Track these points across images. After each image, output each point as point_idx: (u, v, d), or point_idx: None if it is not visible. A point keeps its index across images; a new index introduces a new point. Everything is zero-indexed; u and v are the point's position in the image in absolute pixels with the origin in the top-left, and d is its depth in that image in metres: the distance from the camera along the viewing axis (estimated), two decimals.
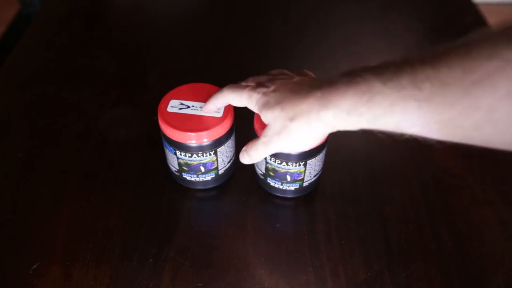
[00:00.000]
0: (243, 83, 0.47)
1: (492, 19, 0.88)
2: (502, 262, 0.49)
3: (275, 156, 0.49)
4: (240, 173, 0.57)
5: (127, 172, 0.58)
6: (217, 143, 0.50)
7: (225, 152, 0.52)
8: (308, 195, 0.55)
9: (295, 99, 0.41)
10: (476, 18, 0.82)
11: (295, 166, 0.50)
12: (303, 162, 0.49)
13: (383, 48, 0.77)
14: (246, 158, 0.48)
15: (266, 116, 0.44)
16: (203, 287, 0.47)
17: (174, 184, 0.56)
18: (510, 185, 0.56)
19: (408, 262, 0.49)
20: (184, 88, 0.53)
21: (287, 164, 0.49)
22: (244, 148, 0.48)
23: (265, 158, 0.50)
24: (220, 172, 0.53)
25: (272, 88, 0.44)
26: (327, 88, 0.39)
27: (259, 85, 0.45)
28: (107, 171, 0.58)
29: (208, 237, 0.52)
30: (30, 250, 0.50)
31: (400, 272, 0.48)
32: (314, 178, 0.53)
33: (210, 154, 0.50)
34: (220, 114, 0.49)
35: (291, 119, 0.41)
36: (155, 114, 0.51)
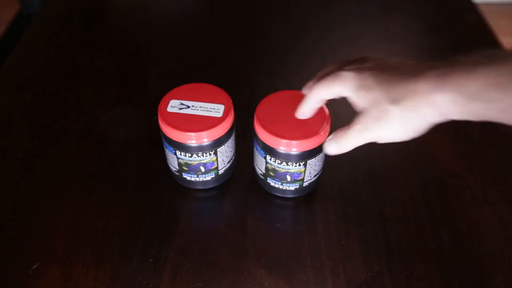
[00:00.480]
0: (323, 72, 0.42)
1: (492, 19, 0.88)
2: (502, 262, 0.49)
3: (275, 156, 0.49)
4: (240, 173, 0.57)
5: (127, 172, 0.58)
6: (217, 143, 0.50)
7: (225, 152, 0.52)
8: (308, 195, 0.55)
9: (402, 79, 0.35)
10: (476, 18, 0.82)
11: (295, 166, 0.50)
12: (303, 162, 0.49)
13: (383, 48, 0.77)
14: (334, 147, 0.42)
15: (363, 99, 0.38)
16: (203, 287, 0.47)
17: (174, 184, 0.56)
18: (510, 185, 0.56)
19: (408, 262, 0.49)
20: (184, 88, 0.53)
21: (287, 164, 0.49)
22: (330, 136, 0.43)
23: (265, 158, 0.50)
24: (220, 172, 0.53)
25: (368, 65, 0.38)
26: (446, 68, 0.33)
27: (348, 63, 0.40)
28: (107, 171, 0.58)
29: (208, 237, 0.52)
30: (30, 250, 0.50)
31: (400, 272, 0.48)
32: (314, 178, 0.53)
33: (210, 154, 0.50)
34: (220, 114, 0.49)
35: (395, 101, 0.35)
36: (155, 114, 0.51)
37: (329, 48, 0.77)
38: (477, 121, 0.34)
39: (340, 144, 0.42)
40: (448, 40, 0.78)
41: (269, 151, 0.49)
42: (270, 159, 0.50)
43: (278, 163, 0.50)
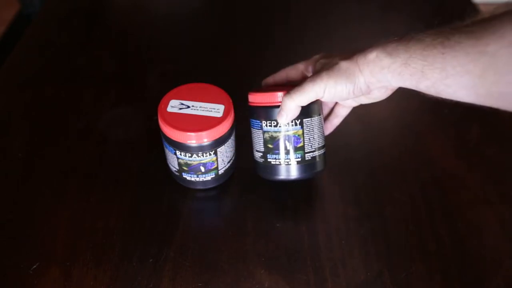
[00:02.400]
0: None
1: None
2: (502, 262, 0.49)
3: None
4: (240, 173, 0.57)
5: (127, 172, 0.58)
6: (217, 143, 0.50)
7: (225, 152, 0.52)
8: (309, 195, 0.55)
9: (355, 50, 0.45)
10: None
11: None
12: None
13: None
14: (288, 103, 0.46)
15: (320, 63, 0.47)
16: (203, 287, 0.47)
17: (174, 184, 0.56)
18: (510, 185, 0.56)
19: (408, 262, 0.49)
20: (184, 88, 0.53)
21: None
22: (281, 101, 0.47)
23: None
24: (220, 172, 0.53)
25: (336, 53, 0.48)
26: (382, 42, 0.43)
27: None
28: (107, 171, 0.58)
29: (208, 237, 0.52)
30: (30, 250, 0.50)
31: (400, 272, 0.48)
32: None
33: (210, 154, 0.50)
34: (220, 114, 0.49)
35: (343, 58, 0.44)
36: (155, 114, 0.51)
37: (329, 48, 0.77)
38: (475, 122, 0.38)
39: (294, 98, 0.46)
40: None
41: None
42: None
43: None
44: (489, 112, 0.40)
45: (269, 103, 0.48)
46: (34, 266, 0.48)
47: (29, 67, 0.74)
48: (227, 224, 0.53)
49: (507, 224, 0.52)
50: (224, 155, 0.52)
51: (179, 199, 0.55)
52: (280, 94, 0.47)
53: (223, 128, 0.49)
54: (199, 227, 0.53)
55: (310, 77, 0.46)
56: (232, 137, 0.52)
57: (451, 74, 0.37)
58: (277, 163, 0.50)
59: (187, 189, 0.55)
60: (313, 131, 0.50)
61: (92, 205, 0.54)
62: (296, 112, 0.47)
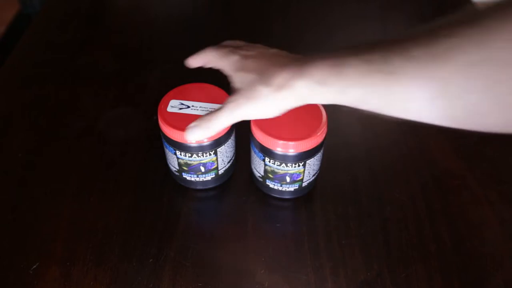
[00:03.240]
0: (221, 45, 0.50)
1: None
2: (502, 262, 0.49)
3: (274, 157, 0.49)
4: (240, 173, 0.57)
5: (127, 172, 0.58)
6: (217, 143, 0.50)
7: (225, 152, 0.52)
8: (308, 195, 0.55)
9: (274, 67, 0.42)
10: None
11: (294, 167, 0.50)
12: (302, 163, 0.49)
13: None
14: (202, 130, 0.45)
15: (240, 78, 0.44)
16: (203, 287, 0.47)
17: (174, 184, 0.56)
18: (510, 185, 0.56)
19: (408, 262, 0.49)
20: (184, 88, 0.53)
21: (286, 166, 0.49)
22: (194, 123, 0.46)
23: (264, 160, 0.50)
24: (220, 172, 0.53)
25: (252, 53, 0.46)
26: (304, 61, 0.40)
27: (238, 48, 0.47)
28: (107, 171, 0.58)
29: (208, 237, 0.52)
30: (30, 250, 0.50)
31: (400, 272, 0.48)
32: (313, 178, 0.53)
33: (210, 154, 0.50)
34: None
35: (265, 84, 0.41)
36: (155, 114, 0.51)
37: (329, 48, 0.77)
38: None
39: (209, 126, 0.45)
40: None
41: (268, 153, 0.49)
42: (269, 161, 0.50)
43: (277, 165, 0.50)
44: None
45: (272, 147, 0.48)
46: (34, 266, 0.48)
47: (29, 67, 0.74)
48: (227, 224, 0.53)
49: (507, 224, 0.52)
50: (224, 155, 0.52)
51: (179, 199, 0.55)
52: (281, 143, 0.48)
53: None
54: (199, 227, 0.53)
55: (227, 102, 0.43)
56: (232, 137, 0.52)
57: (400, 101, 0.35)
58: (275, 187, 0.53)
59: (187, 189, 0.55)
60: (313, 165, 0.51)
61: (92, 205, 0.54)
62: (212, 135, 0.46)
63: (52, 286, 0.47)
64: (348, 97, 0.37)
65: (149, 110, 0.59)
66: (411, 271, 0.48)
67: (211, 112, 0.45)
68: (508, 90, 0.29)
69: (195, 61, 0.51)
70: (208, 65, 0.50)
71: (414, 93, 0.33)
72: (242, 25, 0.82)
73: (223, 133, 0.49)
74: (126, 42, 0.79)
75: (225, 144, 0.51)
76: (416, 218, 0.53)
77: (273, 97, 0.41)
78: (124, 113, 0.66)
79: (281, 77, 0.40)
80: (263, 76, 0.42)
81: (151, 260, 0.49)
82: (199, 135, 0.46)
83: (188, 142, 0.48)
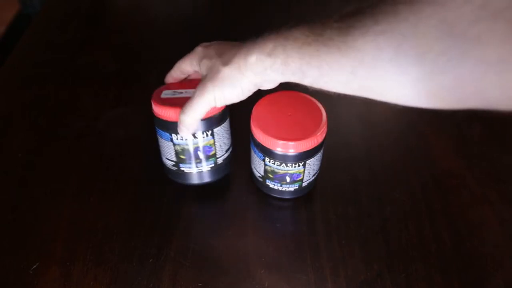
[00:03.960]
0: None
1: None
2: (502, 262, 0.49)
3: (274, 157, 0.49)
4: (240, 173, 0.57)
5: (127, 172, 0.58)
6: (212, 122, 0.49)
7: (222, 136, 0.51)
8: (308, 195, 0.55)
9: (233, 50, 0.44)
10: None
11: (294, 166, 0.50)
12: (302, 163, 0.49)
13: None
14: (184, 119, 0.46)
15: (204, 65, 0.46)
16: (203, 287, 0.47)
17: (174, 184, 0.56)
18: (510, 185, 0.56)
19: (408, 262, 0.49)
20: (176, 83, 0.53)
21: (286, 166, 0.49)
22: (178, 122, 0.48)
23: (264, 160, 0.50)
24: (219, 161, 0.53)
25: (215, 43, 0.48)
26: (261, 38, 0.42)
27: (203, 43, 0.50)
28: (107, 171, 0.58)
29: (208, 237, 0.52)
30: (30, 250, 0.50)
31: (400, 272, 0.48)
32: (313, 178, 0.53)
33: (207, 135, 0.50)
34: None
35: (225, 64, 0.43)
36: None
37: None
38: (476, 122, 0.36)
39: (187, 114, 0.46)
40: None
41: (267, 153, 0.49)
42: (269, 161, 0.50)
43: (277, 165, 0.50)
44: (490, 113, 0.40)
45: (273, 147, 0.49)
46: (34, 266, 0.48)
47: (29, 67, 0.74)
48: (227, 224, 0.53)
49: (507, 224, 0.52)
50: (222, 141, 0.51)
51: (179, 199, 0.55)
52: (282, 143, 0.48)
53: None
54: (199, 227, 0.53)
55: (197, 89, 0.45)
56: (227, 122, 0.52)
57: (327, 71, 0.37)
58: (275, 187, 0.53)
59: (187, 188, 0.55)
60: (313, 165, 0.51)
61: (92, 205, 0.54)
62: (195, 125, 0.47)
63: (52, 286, 0.47)
64: (290, 68, 0.39)
65: (149, 110, 0.59)
66: (411, 271, 0.48)
67: (185, 104, 0.46)
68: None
69: (170, 77, 0.54)
70: (184, 73, 0.53)
71: (339, 61, 0.36)
72: (242, 25, 0.82)
73: (218, 111, 0.49)
74: (126, 42, 0.79)
75: (221, 126, 0.50)
76: (416, 218, 0.53)
77: (234, 75, 0.43)
78: (124, 113, 0.66)
79: (238, 55, 0.43)
80: (223, 57, 0.44)
81: (151, 260, 0.49)
82: (183, 129, 0.47)
83: (183, 136, 0.49)
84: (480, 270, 0.49)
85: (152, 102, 0.50)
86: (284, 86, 0.53)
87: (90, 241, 0.51)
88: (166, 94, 0.51)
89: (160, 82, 0.70)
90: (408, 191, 0.56)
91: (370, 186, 0.56)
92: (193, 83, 0.51)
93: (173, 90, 0.51)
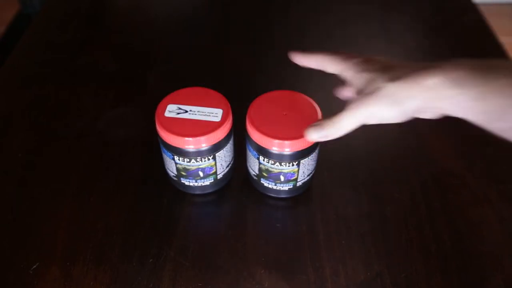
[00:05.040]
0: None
1: (492, 19, 0.88)
2: (502, 262, 0.49)
3: (268, 156, 0.49)
4: (240, 173, 0.57)
5: (127, 172, 0.58)
6: (215, 148, 0.49)
7: (223, 157, 0.51)
8: (308, 195, 0.55)
9: (400, 65, 0.39)
10: (476, 18, 0.82)
11: (289, 166, 0.49)
12: (297, 162, 0.49)
13: (383, 48, 0.77)
14: (324, 131, 0.42)
15: (361, 79, 0.41)
16: (203, 287, 0.47)
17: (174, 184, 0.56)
18: (509, 184, 0.56)
19: (408, 262, 0.49)
20: (182, 92, 0.51)
21: (281, 165, 0.49)
22: (316, 123, 0.43)
23: (258, 159, 0.50)
24: (219, 176, 0.53)
25: (374, 58, 0.42)
26: (442, 62, 0.37)
27: (357, 55, 0.44)
28: (107, 171, 0.58)
29: (208, 237, 0.52)
30: (30, 250, 0.50)
31: (400, 272, 0.48)
32: (308, 178, 0.53)
33: (208, 159, 0.50)
34: (218, 119, 0.49)
35: (390, 79, 0.38)
36: (155, 114, 0.50)
37: (329, 48, 0.77)
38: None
39: (331, 128, 0.42)
40: (448, 40, 0.78)
41: (262, 151, 0.49)
42: (263, 160, 0.50)
43: (271, 164, 0.50)
44: None
45: (267, 146, 0.48)
46: (34, 266, 0.48)
47: (29, 67, 0.74)
48: (227, 223, 0.53)
49: (506, 223, 0.52)
50: (223, 160, 0.52)
51: (179, 199, 0.55)
52: (276, 142, 0.47)
53: (222, 132, 0.48)
54: (199, 227, 0.53)
55: (350, 104, 0.40)
56: (231, 142, 0.52)
57: None
58: (269, 186, 0.53)
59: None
60: (308, 165, 0.51)
61: (92, 205, 0.54)
62: (335, 137, 0.43)
63: (52, 286, 0.47)
64: (484, 105, 0.34)
65: (149, 111, 0.59)
66: (411, 271, 0.48)
67: (334, 114, 0.42)
68: None
69: (306, 60, 0.47)
70: (321, 68, 0.46)
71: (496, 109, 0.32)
72: (242, 25, 0.82)
73: (222, 138, 0.49)
74: (126, 42, 0.79)
75: (224, 149, 0.50)
76: (416, 218, 0.53)
77: (399, 93, 0.37)
78: (124, 113, 0.66)
79: (411, 74, 0.37)
80: (387, 72, 0.39)
81: (151, 260, 0.49)
82: (320, 136, 0.43)
83: (310, 140, 0.46)
84: (480, 269, 0.49)
85: (156, 120, 0.49)
86: (280, 85, 0.54)
87: (90, 241, 0.51)
88: (170, 111, 0.49)
89: (160, 82, 0.70)
90: (408, 191, 0.56)
91: (370, 186, 0.56)
92: (200, 100, 0.50)
93: (178, 106, 0.50)
